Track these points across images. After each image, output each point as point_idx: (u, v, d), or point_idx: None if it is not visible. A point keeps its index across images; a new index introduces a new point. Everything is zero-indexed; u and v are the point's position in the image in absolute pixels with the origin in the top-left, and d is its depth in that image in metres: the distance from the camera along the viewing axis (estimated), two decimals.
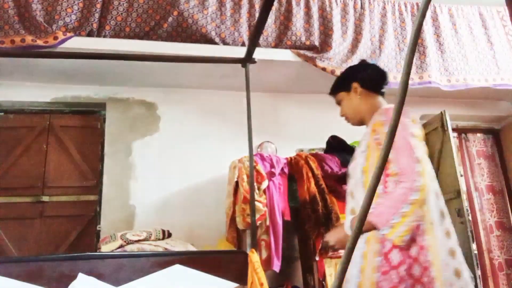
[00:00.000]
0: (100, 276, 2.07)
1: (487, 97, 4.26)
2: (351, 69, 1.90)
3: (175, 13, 3.22)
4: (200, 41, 3.27)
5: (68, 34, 3.03)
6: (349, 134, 3.59)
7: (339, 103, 1.87)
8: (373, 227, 1.49)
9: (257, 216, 2.73)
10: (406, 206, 1.46)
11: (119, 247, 2.64)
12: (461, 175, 3.95)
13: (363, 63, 1.93)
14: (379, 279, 1.49)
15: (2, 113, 3.55)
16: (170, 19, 3.21)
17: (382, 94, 1.81)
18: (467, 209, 3.72)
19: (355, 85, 1.78)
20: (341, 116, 1.88)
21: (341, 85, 1.84)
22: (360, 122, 1.83)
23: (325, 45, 3.52)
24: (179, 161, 3.58)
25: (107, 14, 3.17)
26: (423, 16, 0.69)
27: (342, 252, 2.89)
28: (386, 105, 1.73)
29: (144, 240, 2.72)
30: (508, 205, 4.26)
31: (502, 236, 4.12)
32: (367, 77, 1.78)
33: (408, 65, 0.68)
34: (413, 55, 0.69)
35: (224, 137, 3.65)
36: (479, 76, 3.78)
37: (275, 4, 3.48)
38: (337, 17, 3.62)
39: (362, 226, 0.75)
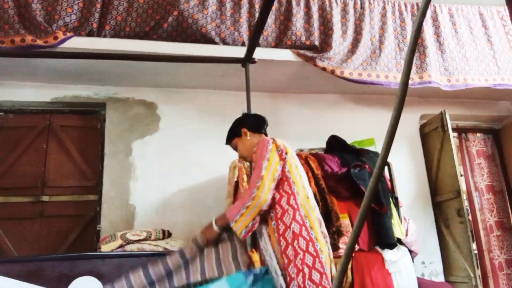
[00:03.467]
0: (100, 276, 2.07)
1: (487, 97, 4.26)
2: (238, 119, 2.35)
3: (175, 13, 3.21)
4: (200, 41, 3.27)
5: (68, 34, 3.02)
6: (349, 134, 3.60)
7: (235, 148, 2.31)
8: (226, 219, 1.92)
9: None
10: (243, 208, 1.86)
11: (119, 247, 2.64)
12: (461, 175, 3.95)
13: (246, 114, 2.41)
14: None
15: (2, 113, 3.55)
16: (170, 19, 3.21)
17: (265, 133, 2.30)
18: (467, 209, 3.72)
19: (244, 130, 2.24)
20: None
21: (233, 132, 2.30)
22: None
23: (325, 45, 3.52)
24: (179, 161, 3.57)
25: (107, 14, 3.17)
26: (423, 15, 0.69)
27: (341, 252, 2.89)
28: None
29: (144, 240, 2.72)
30: (508, 205, 4.26)
31: (502, 236, 4.12)
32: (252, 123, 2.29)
33: (408, 65, 0.68)
34: (413, 55, 0.69)
35: (224, 137, 3.63)
36: (479, 76, 3.78)
37: (275, 4, 3.48)
38: (337, 17, 3.62)
39: (361, 227, 0.75)
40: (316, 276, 1.72)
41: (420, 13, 0.69)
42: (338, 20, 3.62)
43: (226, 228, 1.95)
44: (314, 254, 1.76)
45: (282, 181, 1.91)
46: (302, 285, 1.72)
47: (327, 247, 1.84)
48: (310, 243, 1.78)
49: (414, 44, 0.68)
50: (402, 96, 0.65)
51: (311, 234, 1.80)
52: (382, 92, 3.90)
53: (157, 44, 3.19)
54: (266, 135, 2.31)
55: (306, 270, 1.73)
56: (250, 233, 1.88)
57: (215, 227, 1.97)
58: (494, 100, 4.35)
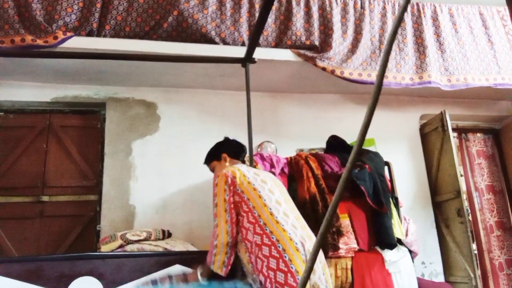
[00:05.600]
0: (100, 276, 2.07)
1: (487, 97, 4.26)
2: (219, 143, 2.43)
3: (175, 12, 3.21)
4: (200, 41, 3.27)
5: (68, 34, 3.02)
6: (349, 134, 3.60)
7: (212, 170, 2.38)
8: (208, 267, 1.98)
9: None
10: (214, 249, 1.96)
11: (119, 247, 2.64)
12: (461, 175, 3.95)
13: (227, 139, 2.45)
14: None
15: (2, 113, 3.55)
16: (170, 18, 3.21)
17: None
18: (467, 209, 3.72)
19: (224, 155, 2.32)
20: None
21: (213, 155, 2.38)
22: None
23: (325, 45, 3.52)
24: (179, 161, 3.57)
25: (107, 13, 3.17)
26: (399, 21, 0.69)
27: (342, 252, 2.89)
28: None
29: (144, 240, 2.72)
30: (508, 205, 4.26)
31: (502, 236, 4.12)
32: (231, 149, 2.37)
33: (382, 67, 0.68)
34: (388, 57, 0.69)
35: (222, 136, 3.64)
36: (480, 75, 3.77)
37: (275, 4, 3.48)
38: (337, 16, 3.62)
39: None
40: (280, 277, 1.76)
41: (397, 20, 0.69)
42: (338, 20, 3.62)
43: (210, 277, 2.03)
44: (277, 255, 1.80)
45: (240, 203, 1.97)
46: None
47: (294, 243, 1.84)
48: (272, 247, 1.82)
49: (390, 47, 0.68)
50: (376, 95, 0.66)
51: (272, 238, 1.84)
52: (382, 92, 3.86)
53: (157, 44, 3.19)
54: (243, 162, 2.38)
55: (272, 274, 1.77)
56: (230, 267, 1.96)
57: (201, 279, 2.02)
58: (494, 100, 4.35)
